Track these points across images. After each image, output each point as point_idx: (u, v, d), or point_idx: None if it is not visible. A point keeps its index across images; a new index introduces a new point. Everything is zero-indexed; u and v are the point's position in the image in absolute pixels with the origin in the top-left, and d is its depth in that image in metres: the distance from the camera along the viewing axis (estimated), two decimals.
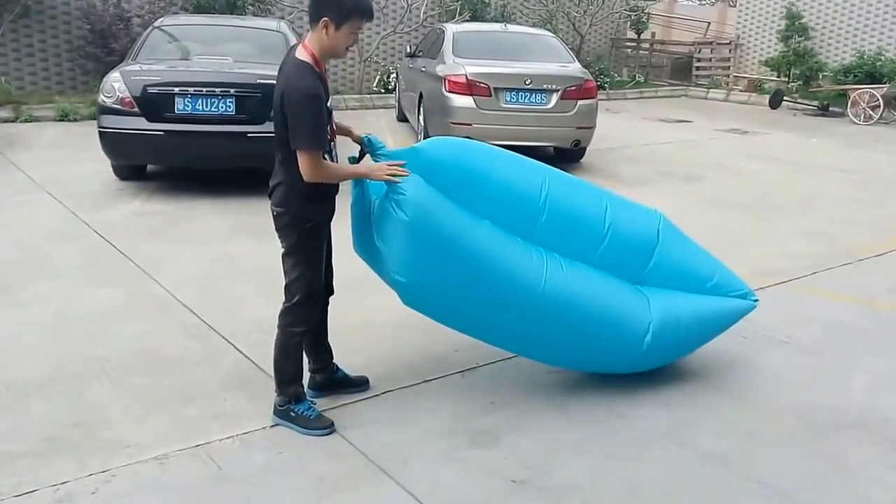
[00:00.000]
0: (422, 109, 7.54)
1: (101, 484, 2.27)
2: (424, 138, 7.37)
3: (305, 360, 2.72)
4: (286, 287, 2.55)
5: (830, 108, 12.10)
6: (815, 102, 12.34)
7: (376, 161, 2.60)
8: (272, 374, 2.65)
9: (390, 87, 11.20)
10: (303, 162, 2.36)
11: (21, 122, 8.43)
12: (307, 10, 2.48)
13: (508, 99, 6.90)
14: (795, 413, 2.89)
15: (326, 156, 2.44)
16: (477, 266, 2.62)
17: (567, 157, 7.43)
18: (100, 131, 5.48)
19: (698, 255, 3.12)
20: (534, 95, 6.91)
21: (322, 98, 2.39)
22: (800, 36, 13.77)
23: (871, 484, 2.46)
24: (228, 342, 3.26)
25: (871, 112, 11.20)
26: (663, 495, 2.35)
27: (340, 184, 2.55)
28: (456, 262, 2.59)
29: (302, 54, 2.42)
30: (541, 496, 2.31)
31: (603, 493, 2.35)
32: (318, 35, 2.40)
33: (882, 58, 12.54)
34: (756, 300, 3.11)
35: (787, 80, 13.76)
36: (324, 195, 2.49)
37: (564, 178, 3.03)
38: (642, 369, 2.95)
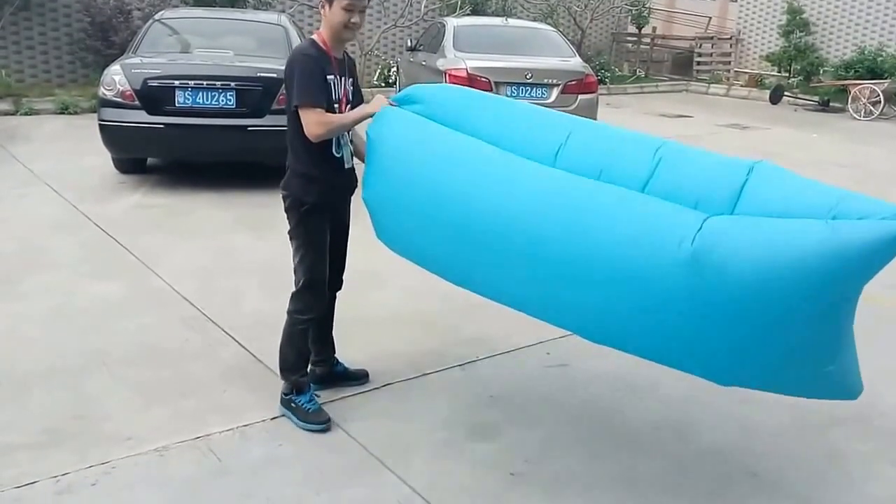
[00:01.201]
0: None
1: (102, 476, 2.28)
2: None
3: None
4: (294, 271, 2.58)
5: (831, 104, 12.09)
6: (816, 98, 12.33)
7: None
8: (272, 366, 2.66)
9: (391, 80, 11.18)
10: (303, 119, 2.39)
11: (21, 115, 8.42)
12: (307, 2, 2.55)
13: (509, 93, 6.88)
14: (793, 408, 2.88)
15: (340, 139, 2.50)
16: (448, 187, 2.23)
17: None
18: (100, 124, 5.48)
19: (815, 188, 2.03)
20: (534, 90, 6.90)
21: (314, 59, 2.43)
22: (801, 31, 13.73)
23: (868, 478, 2.47)
24: (228, 335, 3.27)
25: (871, 107, 11.19)
26: (661, 489, 2.36)
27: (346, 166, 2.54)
28: (417, 181, 2.31)
29: (313, 35, 2.56)
30: (539, 489, 2.32)
31: (601, 486, 2.36)
32: (323, 17, 2.50)
33: (883, 53, 12.51)
34: None
35: (787, 75, 13.74)
36: (319, 175, 2.50)
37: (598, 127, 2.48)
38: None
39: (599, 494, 2.32)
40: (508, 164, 2.19)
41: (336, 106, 2.50)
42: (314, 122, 2.38)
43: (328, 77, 2.46)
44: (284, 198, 2.54)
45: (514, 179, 2.15)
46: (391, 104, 2.49)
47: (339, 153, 2.51)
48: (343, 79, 2.53)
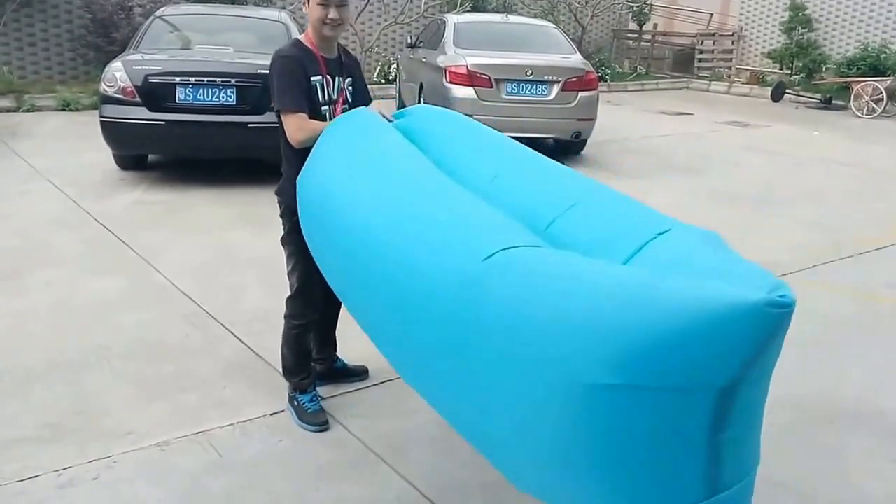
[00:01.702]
0: (422, 100, 7.53)
1: (103, 470, 2.30)
2: None
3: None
4: (287, 276, 2.58)
5: (833, 101, 12.06)
6: (818, 95, 12.30)
7: None
8: (272, 362, 2.68)
9: (391, 77, 11.19)
10: (285, 124, 2.35)
11: (23, 111, 8.44)
12: None
13: (509, 90, 6.89)
14: (792, 405, 2.89)
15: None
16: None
17: (567, 149, 7.43)
18: (101, 121, 5.49)
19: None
20: (535, 87, 6.90)
21: (294, 60, 2.36)
22: (803, 28, 13.71)
23: (867, 476, 2.47)
24: (228, 331, 3.28)
25: (874, 105, 11.17)
26: None
27: None
28: (334, 172, 2.08)
29: (300, 35, 2.52)
30: None
31: None
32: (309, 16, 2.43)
33: (886, 50, 12.49)
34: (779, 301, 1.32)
35: (789, 72, 13.72)
36: None
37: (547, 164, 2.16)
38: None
39: None
40: (412, 184, 1.89)
41: (325, 108, 2.42)
42: (295, 128, 2.33)
43: (312, 78, 2.38)
44: (279, 203, 2.51)
45: (401, 197, 1.85)
46: (385, 117, 2.40)
47: None
48: (337, 79, 2.47)
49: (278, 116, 2.38)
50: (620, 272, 1.40)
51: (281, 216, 2.52)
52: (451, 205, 1.76)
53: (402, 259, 1.69)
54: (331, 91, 2.45)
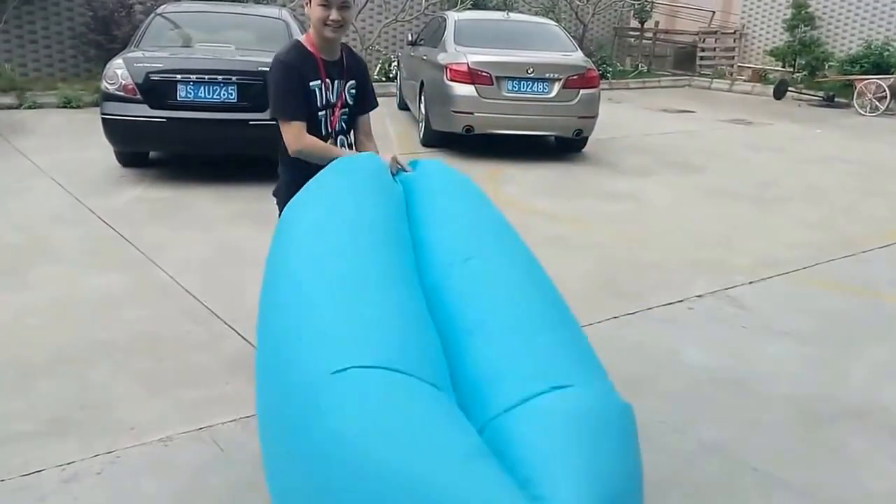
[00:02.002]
0: (423, 98, 7.54)
1: (107, 465, 2.32)
2: (425, 127, 7.42)
3: None
4: None
5: (836, 99, 12.04)
6: (821, 93, 12.29)
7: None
8: None
9: (391, 75, 11.19)
10: (283, 132, 2.33)
11: (25, 108, 8.45)
12: None
13: (510, 88, 6.89)
14: (794, 403, 2.90)
15: (335, 141, 2.43)
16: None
17: (569, 146, 7.44)
18: (103, 118, 5.51)
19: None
20: (536, 84, 6.90)
21: (291, 66, 2.30)
22: (806, 25, 13.69)
23: (870, 473, 2.47)
24: (230, 327, 3.30)
25: (877, 103, 11.16)
26: (661, 482, 2.37)
27: None
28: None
29: (301, 36, 2.48)
30: None
31: None
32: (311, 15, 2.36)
33: (890, 48, 12.47)
34: None
35: (792, 70, 13.70)
36: (304, 183, 2.34)
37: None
38: None
39: None
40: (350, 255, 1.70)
41: (323, 112, 2.38)
42: (293, 138, 2.30)
43: (311, 83, 2.33)
44: (276, 204, 2.49)
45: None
46: (400, 166, 2.23)
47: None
48: (337, 82, 2.39)
49: (276, 122, 2.36)
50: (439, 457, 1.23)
51: (279, 217, 2.52)
52: (366, 296, 1.56)
53: (280, 335, 1.57)
54: (329, 95, 2.38)
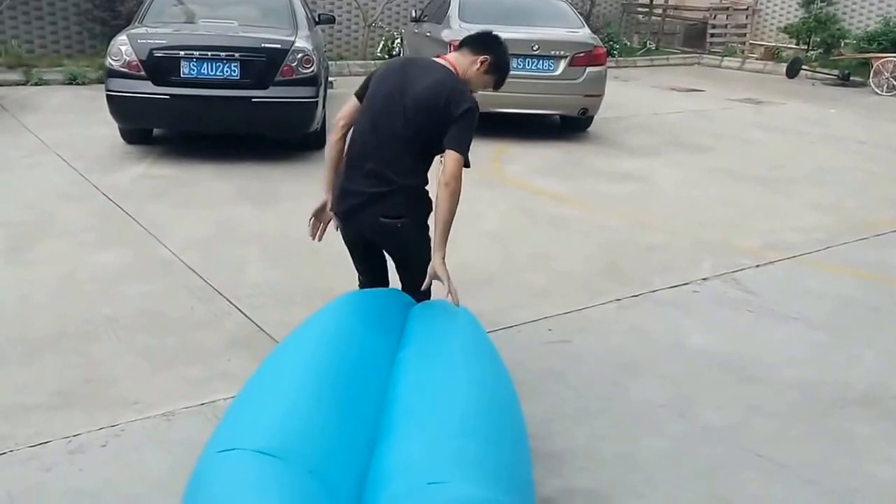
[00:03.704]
0: None
1: (111, 438, 2.36)
2: None
3: None
4: None
5: (851, 78, 11.81)
6: (836, 71, 12.04)
7: None
8: (275, 335, 2.71)
9: (395, 52, 11.09)
10: (456, 165, 2.21)
11: (31, 85, 8.45)
12: (474, 37, 2.43)
13: (515, 66, 6.71)
14: (800, 388, 2.89)
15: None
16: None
17: (574, 125, 7.38)
18: (107, 94, 5.50)
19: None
20: (541, 62, 6.83)
21: None
22: (822, 1, 13.40)
23: (875, 460, 2.47)
24: (232, 304, 3.32)
25: (894, 82, 10.96)
26: (662, 466, 2.39)
27: None
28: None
29: (448, 65, 2.38)
30: (539, 465, 2.33)
31: (601, 463, 2.38)
32: (469, 65, 2.37)
33: None
34: None
35: (806, 47, 13.44)
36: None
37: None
38: None
39: (600, 472, 2.35)
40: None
41: None
42: (461, 175, 2.22)
43: None
44: (398, 227, 2.33)
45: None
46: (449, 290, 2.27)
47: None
48: None
49: (456, 163, 2.22)
50: None
51: (406, 236, 2.39)
52: (291, 390, 1.72)
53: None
54: None
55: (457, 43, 7.64)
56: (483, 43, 2.41)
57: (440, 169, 2.25)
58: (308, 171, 5.53)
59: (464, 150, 2.24)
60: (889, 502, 2.29)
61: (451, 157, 2.22)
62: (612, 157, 6.57)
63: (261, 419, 1.61)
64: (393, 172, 2.29)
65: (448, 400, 1.80)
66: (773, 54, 13.68)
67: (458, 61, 2.39)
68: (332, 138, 2.46)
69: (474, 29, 7.61)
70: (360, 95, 2.42)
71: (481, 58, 2.37)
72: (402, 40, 10.29)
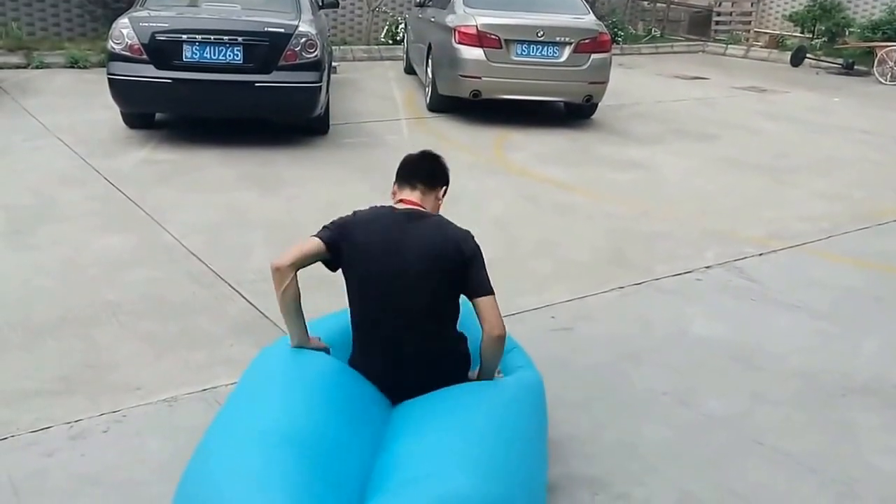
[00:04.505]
0: (430, 62, 7.42)
1: (113, 423, 2.36)
2: (432, 91, 7.32)
3: None
4: None
5: (855, 67, 11.75)
6: (840, 60, 11.97)
7: None
8: (277, 321, 2.70)
9: (398, 38, 11.01)
10: (494, 310, 2.00)
11: (32, 68, 8.41)
12: (423, 171, 2.17)
13: (519, 52, 6.77)
14: (803, 377, 2.88)
15: None
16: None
17: (578, 113, 7.34)
18: (109, 78, 5.46)
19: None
20: (546, 48, 6.77)
21: None
22: None
23: (877, 450, 2.47)
24: (235, 290, 3.32)
25: None
26: (664, 454, 2.38)
27: None
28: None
29: (420, 208, 2.13)
30: None
31: (603, 451, 2.38)
32: (433, 201, 2.18)
33: None
34: None
35: (811, 36, 13.35)
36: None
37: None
38: None
39: (601, 460, 2.34)
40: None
41: None
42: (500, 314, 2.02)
43: None
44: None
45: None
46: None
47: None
48: None
49: (496, 306, 2.02)
50: None
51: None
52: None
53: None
54: None
55: (462, 28, 7.46)
56: (432, 174, 2.17)
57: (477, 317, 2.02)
58: (312, 156, 5.51)
59: (491, 289, 2.02)
60: (891, 491, 2.29)
61: (488, 303, 1.99)
62: (617, 144, 6.53)
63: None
64: (431, 352, 2.07)
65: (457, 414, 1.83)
66: (777, 42, 13.58)
67: (424, 202, 2.13)
68: (280, 285, 2.00)
69: (479, 14, 7.56)
70: (328, 243, 2.02)
71: (441, 191, 2.20)
72: (406, 25, 10.21)
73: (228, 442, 1.77)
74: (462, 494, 1.57)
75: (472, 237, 2.07)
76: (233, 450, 1.72)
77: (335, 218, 2.10)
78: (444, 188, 2.22)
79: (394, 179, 2.18)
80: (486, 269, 2.04)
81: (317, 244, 2.02)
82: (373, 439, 1.86)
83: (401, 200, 2.13)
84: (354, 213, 2.11)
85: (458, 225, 2.10)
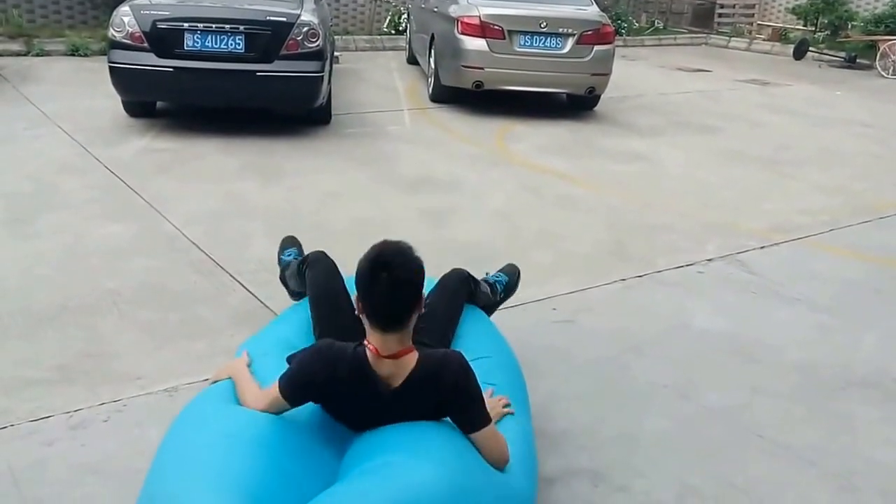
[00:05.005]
0: (433, 52, 7.39)
1: (113, 413, 2.36)
2: (434, 82, 7.29)
3: None
4: None
5: (858, 60, 11.72)
6: (842, 54, 11.95)
7: None
8: (278, 311, 2.70)
9: (401, 28, 10.96)
10: (495, 439, 1.77)
11: (33, 55, 8.37)
12: (393, 307, 1.67)
13: (522, 42, 6.74)
14: (802, 370, 2.89)
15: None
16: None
17: (580, 104, 7.31)
18: (109, 66, 5.44)
19: None
20: (549, 39, 6.74)
21: None
22: None
23: (876, 443, 2.47)
24: (235, 279, 3.31)
25: None
26: (663, 446, 2.38)
27: None
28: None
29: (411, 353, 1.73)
30: (540, 445, 2.33)
31: (603, 443, 2.38)
32: (410, 330, 1.73)
33: None
34: None
35: (814, 29, 13.30)
36: None
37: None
38: None
39: (602, 452, 2.34)
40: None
41: None
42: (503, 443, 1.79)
43: None
44: None
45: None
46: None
47: None
48: None
49: (498, 437, 1.79)
50: None
51: None
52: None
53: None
54: None
55: (465, 18, 7.36)
56: (407, 309, 1.68)
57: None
58: (313, 146, 5.49)
59: (487, 418, 1.76)
60: (889, 484, 2.29)
61: (481, 437, 1.74)
62: (619, 136, 6.51)
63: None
64: None
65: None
66: (780, 35, 13.53)
67: (402, 339, 1.71)
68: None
69: (483, 5, 7.49)
70: (291, 401, 1.75)
71: (415, 317, 1.72)
72: (408, 15, 10.15)
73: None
74: (425, 483, 1.53)
75: (458, 369, 1.73)
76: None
77: (293, 370, 1.77)
78: (417, 314, 1.71)
79: (355, 290, 1.71)
80: (480, 399, 1.74)
81: (274, 399, 1.76)
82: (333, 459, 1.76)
83: (375, 350, 1.69)
84: (311, 360, 1.75)
85: (443, 352, 1.80)
